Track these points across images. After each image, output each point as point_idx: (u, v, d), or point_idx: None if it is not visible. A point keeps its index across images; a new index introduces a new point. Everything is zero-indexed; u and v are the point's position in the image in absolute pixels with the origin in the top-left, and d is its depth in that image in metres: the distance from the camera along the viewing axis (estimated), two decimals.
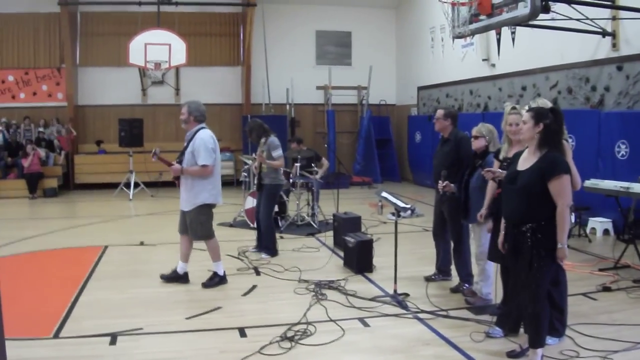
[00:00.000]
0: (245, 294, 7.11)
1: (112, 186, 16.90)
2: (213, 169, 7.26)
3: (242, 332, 5.78)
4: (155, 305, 6.76)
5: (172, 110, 17.56)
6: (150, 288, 7.39)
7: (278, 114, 18.60)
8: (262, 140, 9.06)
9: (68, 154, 17.88)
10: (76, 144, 18.26)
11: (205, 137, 7.25)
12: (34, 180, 16.42)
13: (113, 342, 5.59)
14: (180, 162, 7.31)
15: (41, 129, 18.06)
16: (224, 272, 7.59)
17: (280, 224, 10.92)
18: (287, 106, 19.18)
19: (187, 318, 6.23)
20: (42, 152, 17.04)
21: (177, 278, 7.58)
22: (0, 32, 18.30)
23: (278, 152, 8.93)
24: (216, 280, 7.48)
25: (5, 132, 17.78)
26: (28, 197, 16.27)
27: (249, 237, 10.13)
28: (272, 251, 9.02)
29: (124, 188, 16.36)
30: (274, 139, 9.03)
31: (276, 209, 10.35)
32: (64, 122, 18.29)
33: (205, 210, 7.37)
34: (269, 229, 9.09)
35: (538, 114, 4.66)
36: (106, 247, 9.82)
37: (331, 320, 6.11)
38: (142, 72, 16.69)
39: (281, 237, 10.17)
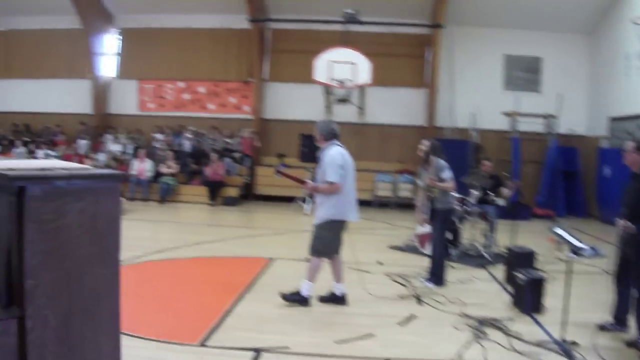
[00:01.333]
0: (401, 323, 6.76)
1: (291, 200, 17.13)
2: (341, 185, 7.05)
3: None
4: (307, 324, 6.63)
5: (355, 129, 17.58)
6: (305, 306, 7.21)
7: (460, 139, 18.07)
8: (432, 162, 8.67)
9: (252, 163, 18.32)
10: (259, 156, 18.72)
11: (332, 154, 7.11)
12: (216, 188, 16.99)
13: (256, 358, 5.48)
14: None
15: (227, 140, 18.67)
16: (309, 296, 7.26)
17: (451, 252, 10.42)
18: (471, 131, 18.58)
19: (336, 342, 5.99)
20: (225, 162, 17.58)
21: (333, 300, 7.36)
22: (195, 46, 19.28)
23: (447, 174, 8.50)
24: (296, 298, 7.23)
25: (193, 140, 18.57)
26: (208, 203, 16.82)
27: (417, 263, 9.73)
28: (439, 280, 8.58)
29: (301, 202, 16.51)
30: (441, 161, 8.63)
31: (449, 236, 9.91)
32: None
33: (330, 226, 7.16)
34: (438, 256, 8.66)
35: None
36: (272, 259, 9.81)
37: None
38: (327, 89, 16.81)
39: (451, 267, 9.67)
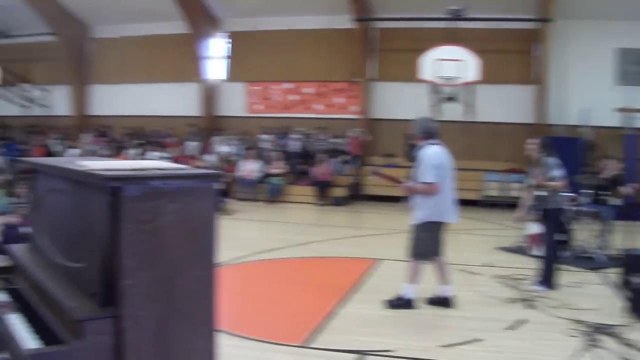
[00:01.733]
0: (509, 328, 6.47)
1: (398, 200, 16.92)
2: (439, 186, 6.79)
3: None
4: (412, 327, 6.46)
5: (463, 128, 17.23)
6: (410, 309, 7.04)
7: (572, 136, 17.37)
8: (542, 160, 8.31)
9: (360, 163, 18.24)
10: (366, 156, 18.63)
11: (429, 154, 6.87)
12: (323, 188, 17.01)
13: None
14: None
15: (334, 140, 18.68)
16: (413, 298, 7.04)
17: (564, 254, 9.96)
18: (582, 128, 17.83)
19: (440, 346, 5.81)
20: (332, 163, 17.59)
21: (440, 302, 7.17)
22: (300, 47, 19.38)
23: (557, 172, 8.11)
24: (400, 303, 7.01)
25: (301, 141, 18.69)
26: (316, 204, 16.87)
27: (526, 265, 9.37)
28: (549, 283, 8.21)
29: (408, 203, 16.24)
30: (551, 159, 8.24)
31: (562, 237, 9.52)
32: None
33: (428, 228, 6.94)
34: (549, 258, 8.29)
35: None
36: (379, 260, 9.68)
37: None
38: (434, 88, 16.55)
39: (563, 269, 9.24)
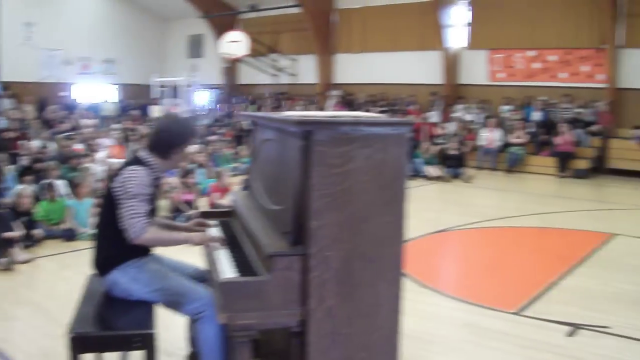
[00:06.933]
0: None
1: None
2: None
3: None
4: (636, 305, 6.00)
5: None
6: (638, 286, 6.58)
7: None
8: None
9: (605, 134, 17.23)
10: (613, 127, 17.52)
11: None
12: (565, 160, 16.29)
13: (572, 333, 5.17)
14: None
15: (578, 110, 17.76)
16: None
17: None
18: None
19: None
20: (576, 133, 16.77)
21: None
22: (545, 12, 18.47)
23: None
24: None
25: (543, 110, 18.01)
26: (557, 175, 16.23)
27: None
28: None
29: None
30: None
31: None
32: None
33: None
34: None
35: None
36: (614, 235, 9.13)
37: None
38: None
39: None
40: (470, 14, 20.05)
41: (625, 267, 7.36)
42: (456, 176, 15.15)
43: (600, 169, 17.03)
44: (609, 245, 8.54)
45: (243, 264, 3.30)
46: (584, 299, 6.12)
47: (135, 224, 3.45)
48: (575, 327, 5.27)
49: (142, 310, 3.58)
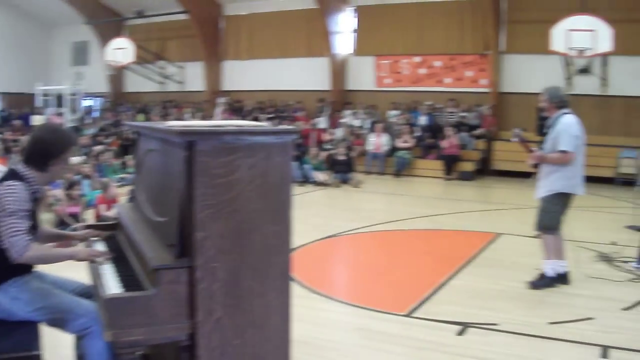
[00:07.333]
0: (626, 309, 6.09)
1: (528, 175, 16.35)
2: (574, 156, 6.46)
3: (605, 351, 4.94)
4: (522, 302, 6.26)
5: (597, 102, 16.45)
6: (523, 283, 6.77)
7: None
8: None
9: (489, 137, 17.82)
10: (496, 130, 18.16)
11: (569, 123, 6.53)
12: (451, 163, 16.76)
13: (462, 332, 5.31)
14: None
15: (463, 114, 18.33)
16: (558, 273, 6.69)
17: None
18: None
19: (550, 322, 5.59)
20: (460, 137, 17.28)
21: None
22: (429, 20, 19.04)
23: None
24: (544, 282, 6.67)
25: (429, 114, 18.50)
26: (444, 177, 16.67)
27: None
28: None
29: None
30: None
31: None
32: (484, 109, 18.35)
33: (559, 200, 6.60)
34: None
35: None
36: (499, 234, 9.46)
37: None
38: (567, 60, 15.84)
39: None
40: (356, 20, 20.36)
41: (510, 265, 7.65)
42: (345, 181, 15.29)
43: (485, 170, 17.67)
44: (494, 245, 8.86)
45: (129, 279, 3.21)
46: (472, 298, 6.30)
47: (17, 242, 3.29)
48: (465, 326, 5.41)
49: (26, 330, 3.44)
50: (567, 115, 6.65)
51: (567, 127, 6.54)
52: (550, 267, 6.71)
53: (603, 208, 11.77)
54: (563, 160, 6.52)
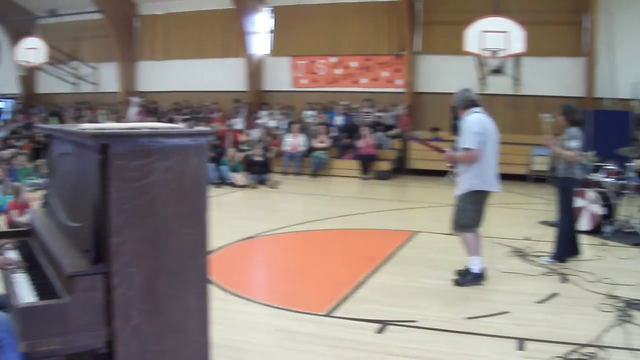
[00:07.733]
0: (540, 302, 6.30)
1: (444, 174, 16.72)
2: (480, 153, 6.62)
3: (521, 344, 5.10)
4: (439, 299, 6.38)
5: (510, 101, 16.94)
6: (441, 280, 6.94)
7: (622, 110, 16.79)
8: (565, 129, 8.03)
9: (404, 137, 18.07)
10: (412, 130, 18.43)
11: (471, 121, 6.73)
12: (367, 162, 16.91)
13: (381, 330, 5.38)
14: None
15: (379, 114, 18.53)
16: (482, 270, 6.86)
17: (605, 229, 9.68)
18: (633, 102, 17.21)
19: (467, 318, 5.74)
20: (375, 137, 17.46)
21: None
22: (345, 21, 19.19)
23: (574, 144, 7.77)
24: (469, 278, 6.82)
25: (345, 114, 18.64)
26: (360, 177, 16.81)
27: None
28: (559, 255, 7.85)
29: (452, 176, 16.05)
30: (573, 130, 7.91)
31: (604, 212, 9.40)
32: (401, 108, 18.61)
33: (473, 198, 6.76)
34: (561, 229, 7.95)
35: None
36: (416, 232, 9.60)
37: (627, 349, 5.02)
38: (480, 60, 16.22)
39: (605, 244, 8.96)
40: (273, 21, 20.33)
41: (426, 262, 7.78)
42: (262, 182, 15.24)
43: (401, 170, 17.93)
44: (411, 243, 9.00)
45: (43, 287, 3.11)
46: (390, 296, 6.39)
47: None
48: (384, 324, 5.49)
49: None
50: (474, 114, 6.81)
51: (470, 124, 6.72)
52: (475, 264, 6.84)
53: (517, 204, 12.11)
54: (469, 157, 6.67)
